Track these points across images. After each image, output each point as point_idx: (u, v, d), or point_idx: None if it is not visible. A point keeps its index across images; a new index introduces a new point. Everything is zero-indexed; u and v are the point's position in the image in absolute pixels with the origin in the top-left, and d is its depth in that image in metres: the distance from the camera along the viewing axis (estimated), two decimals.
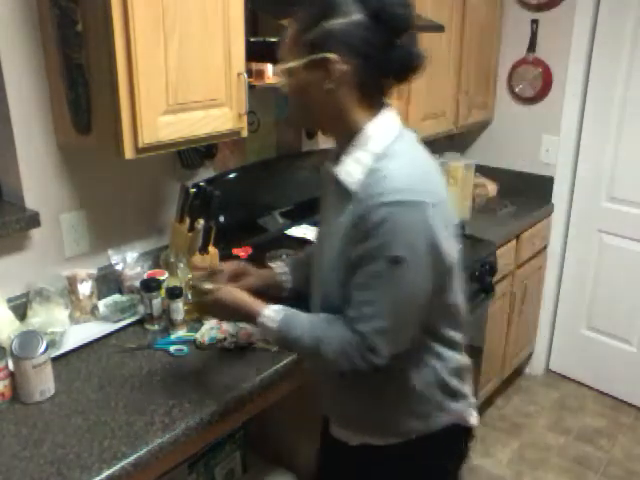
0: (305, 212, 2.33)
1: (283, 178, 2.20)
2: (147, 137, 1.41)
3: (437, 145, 2.99)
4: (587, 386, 3.10)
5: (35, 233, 1.61)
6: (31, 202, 1.59)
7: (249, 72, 1.67)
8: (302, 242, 2.15)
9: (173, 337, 1.59)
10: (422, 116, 2.38)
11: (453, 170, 2.64)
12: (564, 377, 3.18)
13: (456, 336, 1.22)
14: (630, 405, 2.96)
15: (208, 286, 1.26)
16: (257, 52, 1.70)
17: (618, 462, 2.60)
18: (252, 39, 1.63)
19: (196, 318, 1.62)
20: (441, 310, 1.16)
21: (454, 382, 1.22)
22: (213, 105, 1.54)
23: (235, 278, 1.36)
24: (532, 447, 2.69)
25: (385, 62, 1.06)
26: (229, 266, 1.38)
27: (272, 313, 1.18)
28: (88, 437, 1.22)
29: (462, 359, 1.25)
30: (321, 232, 1.28)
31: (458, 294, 1.18)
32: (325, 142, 2.47)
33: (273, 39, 1.81)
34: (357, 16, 1.03)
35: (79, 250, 1.72)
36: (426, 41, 2.28)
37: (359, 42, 1.04)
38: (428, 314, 1.12)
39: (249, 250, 1.76)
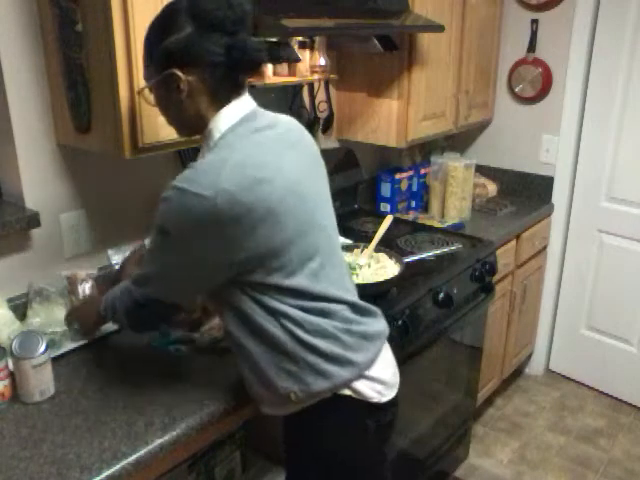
0: None
1: None
2: (147, 137, 1.41)
3: (437, 145, 2.99)
4: (587, 386, 3.10)
5: (35, 233, 1.61)
6: (31, 202, 1.59)
7: None
8: None
9: (173, 337, 1.59)
10: (422, 116, 2.38)
11: (453, 170, 2.64)
12: (564, 377, 3.18)
13: (321, 305, 1.23)
14: (630, 405, 2.96)
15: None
16: None
17: (618, 462, 2.60)
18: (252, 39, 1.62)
19: (197, 318, 1.62)
20: (278, 289, 1.19)
21: (323, 344, 1.21)
22: None
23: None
24: (532, 447, 2.69)
25: (230, 63, 1.14)
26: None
27: (101, 304, 1.38)
28: (88, 437, 1.22)
29: (343, 325, 1.25)
30: None
31: (307, 282, 1.21)
32: (325, 142, 2.47)
33: (273, 39, 1.82)
34: (188, 29, 1.12)
35: (79, 250, 1.72)
36: (426, 41, 2.29)
37: (196, 52, 1.12)
38: (259, 286, 1.18)
39: None
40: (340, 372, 1.22)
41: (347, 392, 1.24)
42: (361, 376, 1.25)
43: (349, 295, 1.30)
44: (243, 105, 1.20)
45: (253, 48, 1.15)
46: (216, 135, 1.18)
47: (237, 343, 1.25)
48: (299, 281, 1.20)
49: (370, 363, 1.27)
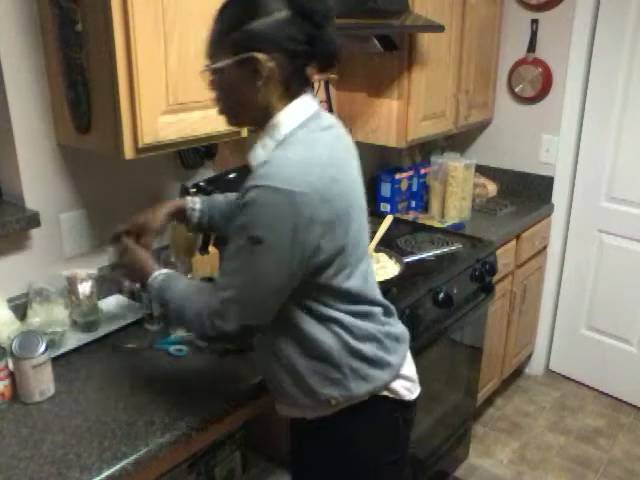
0: None
1: None
2: (147, 137, 1.41)
3: (437, 145, 2.99)
4: (587, 386, 3.10)
5: (35, 233, 1.61)
6: (31, 202, 1.59)
7: None
8: None
9: (173, 337, 1.59)
10: (422, 116, 2.38)
11: (453, 170, 2.64)
12: (564, 377, 3.18)
13: (366, 309, 1.23)
14: (630, 405, 2.96)
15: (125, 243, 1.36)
16: None
17: (618, 462, 2.60)
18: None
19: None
20: (336, 293, 1.18)
21: (369, 348, 1.22)
22: (213, 105, 1.53)
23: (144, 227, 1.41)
24: (532, 447, 2.69)
25: (309, 55, 1.11)
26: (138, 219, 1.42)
27: (158, 274, 1.25)
28: (88, 437, 1.22)
29: (383, 328, 1.26)
30: None
31: (360, 284, 1.21)
32: None
33: None
34: (281, 14, 1.07)
35: (79, 250, 1.72)
36: (426, 41, 2.29)
37: (284, 39, 1.08)
38: (318, 292, 1.16)
39: None
40: (381, 375, 1.24)
41: (384, 392, 1.26)
42: (396, 376, 1.28)
43: (380, 296, 1.31)
44: (311, 101, 1.17)
45: (334, 43, 1.13)
46: (285, 129, 1.13)
47: (277, 352, 1.22)
48: (354, 283, 1.20)
49: (403, 363, 1.30)
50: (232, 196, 1.49)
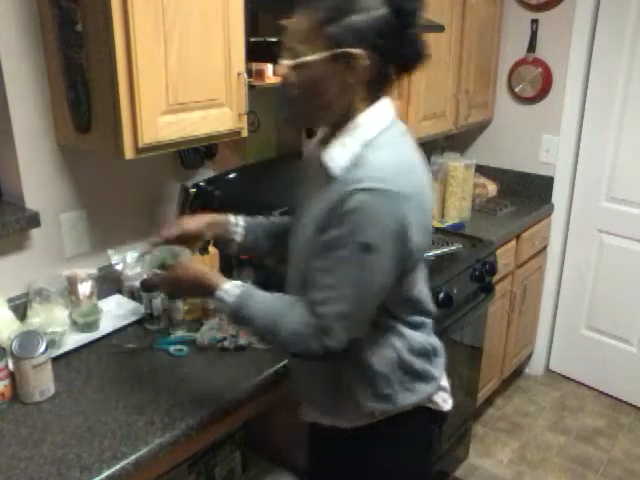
0: None
1: (283, 178, 2.20)
2: (147, 137, 1.41)
3: (437, 145, 2.99)
4: (587, 386, 3.10)
5: (35, 233, 1.61)
6: (31, 202, 1.59)
7: (249, 72, 1.67)
8: None
9: (173, 337, 1.59)
10: (422, 116, 2.38)
11: (453, 170, 2.64)
12: (564, 377, 3.18)
13: (420, 319, 1.23)
14: (630, 405, 2.96)
15: (168, 262, 1.29)
16: (257, 52, 1.70)
17: (618, 462, 2.60)
18: (252, 39, 1.63)
19: (196, 318, 1.60)
20: (403, 300, 1.17)
21: (419, 363, 1.22)
22: (213, 105, 1.54)
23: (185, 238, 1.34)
24: (532, 447, 2.69)
25: (398, 56, 1.08)
26: (191, 225, 1.34)
27: (231, 287, 1.17)
28: (88, 437, 1.22)
29: (430, 340, 1.26)
30: (298, 214, 1.25)
31: (422, 289, 1.21)
32: None
33: (273, 39, 1.81)
34: (378, 11, 1.03)
35: (79, 250, 1.72)
36: (426, 41, 2.29)
37: (379, 37, 1.04)
38: (388, 300, 1.13)
39: None
40: (426, 388, 1.24)
41: (425, 404, 1.25)
42: (438, 388, 1.27)
43: (432, 306, 1.29)
44: (391, 105, 1.14)
45: (422, 46, 1.09)
46: (370, 131, 1.09)
47: (325, 366, 1.20)
48: (417, 290, 1.19)
49: (442, 375, 1.30)
50: (275, 218, 1.45)
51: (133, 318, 1.66)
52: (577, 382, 3.13)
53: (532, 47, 2.81)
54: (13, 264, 1.58)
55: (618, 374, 2.97)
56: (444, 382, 1.31)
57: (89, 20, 1.36)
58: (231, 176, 2.03)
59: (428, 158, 2.83)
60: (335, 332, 1.06)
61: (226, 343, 1.53)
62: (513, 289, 2.74)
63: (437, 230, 2.49)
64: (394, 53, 1.07)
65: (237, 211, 1.92)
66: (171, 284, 1.28)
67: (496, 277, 2.43)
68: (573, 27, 2.69)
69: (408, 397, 1.21)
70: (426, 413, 1.26)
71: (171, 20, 1.39)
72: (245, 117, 1.63)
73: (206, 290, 1.19)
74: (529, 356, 3.19)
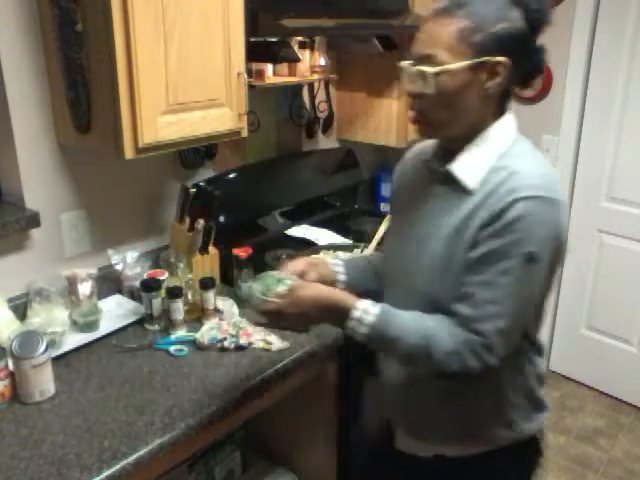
0: (305, 212, 2.33)
1: (283, 178, 2.20)
2: (147, 137, 1.41)
3: None
4: (587, 386, 3.10)
5: (35, 233, 1.61)
6: (31, 202, 1.59)
7: (249, 72, 1.67)
8: (302, 242, 2.15)
9: (173, 337, 1.59)
10: None
11: None
12: (564, 377, 3.18)
13: (540, 343, 1.21)
14: (630, 405, 2.96)
15: (281, 288, 1.11)
16: (257, 52, 1.70)
17: (618, 462, 2.59)
18: (252, 39, 1.63)
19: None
20: (537, 317, 1.15)
21: (538, 390, 1.21)
22: (213, 105, 1.54)
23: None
24: None
25: (530, 66, 1.09)
26: (297, 266, 1.23)
27: (368, 306, 1.09)
28: (88, 437, 1.22)
29: (542, 367, 1.24)
30: (411, 232, 1.18)
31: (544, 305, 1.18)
32: (325, 142, 2.47)
33: (273, 39, 1.82)
34: (518, 22, 1.03)
35: (79, 250, 1.72)
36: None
37: (519, 47, 1.04)
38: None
39: (249, 250, 1.76)
40: (540, 417, 1.24)
41: (538, 435, 1.25)
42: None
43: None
44: (515, 121, 1.13)
45: (545, 55, 1.10)
46: (503, 144, 1.09)
47: (457, 387, 1.15)
48: (544, 307, 1.16)
49: None
50: (369, 256, 1.43)
51: (133, 318, 1.66)
52: (577, 382, 3.13)
53: None
54: (13, 264, 1.58)
55: (618, 374, 2.97)
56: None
57: (89, 20, 1.36)
58: (231, 176, 2.03)
59: None
60: (496, 349, 1.03)
61: (226, 343, 1.53)
62: None
63: None
64: (528, 63, 1.08)
65: (237, 211, 1.93)
66: (296, 308, 1.11)
67: None
68: (573, 27, 2.69)
69: (526, 426, 1.20)
70: (534, 443, 1.24)
71: (171, 20, 1.39)
72: (245, 117, 1.62)
73: (340, 311, 1.09)
74: None
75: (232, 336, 1.54)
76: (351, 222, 2.45)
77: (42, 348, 1.31)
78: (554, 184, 1.04)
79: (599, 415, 2.91)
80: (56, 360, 1.44)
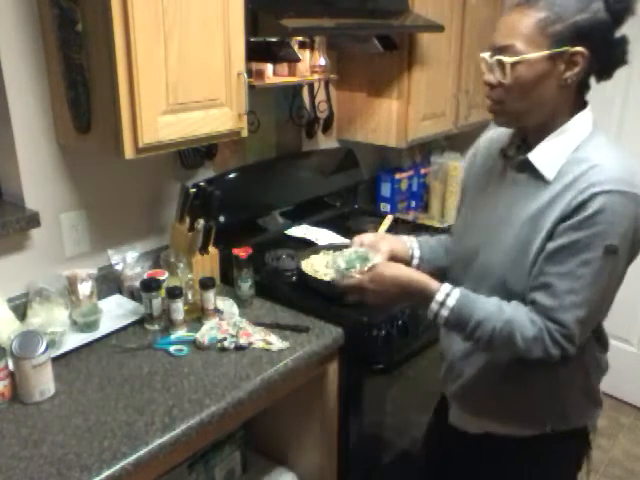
0: (305, 212, 2.33)
1: (283, 178, 2.20)
2: (147, 137, 1.41)
3: (437, 145, 2.99)
4: None
5: (35, 233, 1.61)
6: (31, 202, 1.59)
7: (249, 72, 1.67)
8: (302, 242, 2.15)
9: (173, 337, 1.59)
10: (422, 116, 2.38)
11: (453, 170, 2.64)
12: None
13: (606, 338, 1.22)
14: (630, 405, 2.96)
15: (364, 265, 1.16)
16: (257, 52, 1.71)
17: (618, 462, 2.59)
18: (252, 39, 1.63)
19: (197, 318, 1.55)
20: (608, 305, 1.16)
21: (596, 385, 1.22)
22: (213, 105, 1.54)
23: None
24: None
25: (609, 57, 1.08)
26: (368, 238, 1.29)
27: (450, 290, 1.12)
28: (88, 437, 1.22)
29: (606, 359, 1.25)
30: (487, 217, 1.21)
31: None
32: (325, 142, 2.47)
33: (273, 39, 1.82)
34: (600, 13, 1.03)
35: (79, 250, 1.72)
36: (426, 41, 2.29)
37: (599, 38, 1.04)
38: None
39: (249, 250, 1.76)
40: (595, 412, 1.25)
41: (590, 429, 1.26)
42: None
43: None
44: (591, 115, 1.13)
45: (627, 46, 1.08)
46: (580, 136, 1.10)
47: (521, 373, 1.17)
48: (613, 300, 1.17)
49: None
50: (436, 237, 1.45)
51: (133, 318, 1.66)
52: None
53: None
54: (13, 264, 1.58)
55: (618, 374, 2.96)
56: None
57: (89, 20, 1.36)
58: (231, 176, 2.03)
59: (428, 158, 2.83)
60: (575, 338, 1.06)
61: (226, 343, 1.53)
62: None
63: (437, 230, 2.49)
64: (607, 54, 1.07)
65: (237, 211, 1.93)
66: (377, 285, 1.17)
67: None
68: None
69: (581, 419, 1.22)
70: (584, 433, 1.25)
71: (171, 20, 1.39)
72: (245, 117, 1.62)
73: (422, 292, 1.13)
74: None
75: (232, 336, 1.54)
76: (351, 222, 2.45)
77: (42, 348, 1.32)
78: (633, 177, 1.04)
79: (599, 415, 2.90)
80: (56, 360, 1.44)
